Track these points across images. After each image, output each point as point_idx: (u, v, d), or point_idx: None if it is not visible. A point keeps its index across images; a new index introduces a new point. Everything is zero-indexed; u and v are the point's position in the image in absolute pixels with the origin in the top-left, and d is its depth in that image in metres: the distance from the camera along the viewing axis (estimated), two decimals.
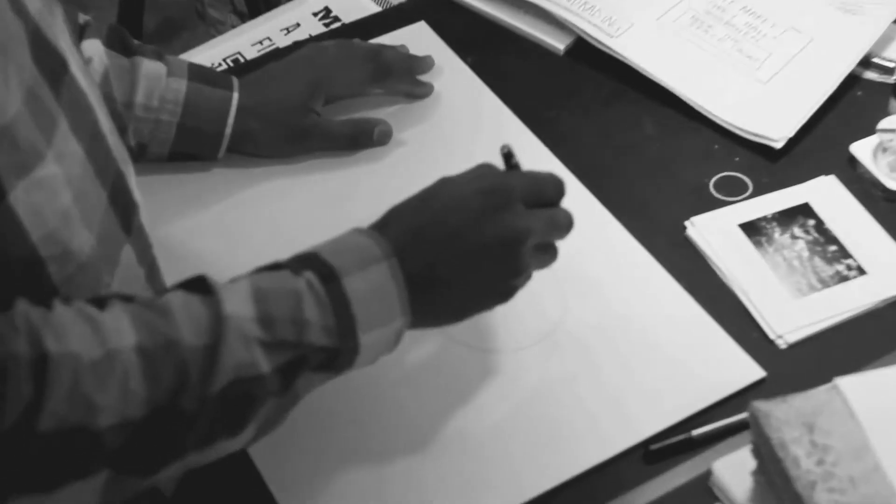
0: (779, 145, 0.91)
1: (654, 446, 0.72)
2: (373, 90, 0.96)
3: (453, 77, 0.98)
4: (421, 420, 0.74)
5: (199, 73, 0.87)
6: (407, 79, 0.96)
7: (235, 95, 0.87)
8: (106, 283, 0.63)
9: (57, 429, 0.53)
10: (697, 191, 0.89)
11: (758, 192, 0.88)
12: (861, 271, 0.82)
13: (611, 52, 0.98)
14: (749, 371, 0.76)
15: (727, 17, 1.00)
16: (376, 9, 1.06)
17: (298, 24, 1.05)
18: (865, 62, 0.97)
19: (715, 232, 0.85)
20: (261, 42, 1.04)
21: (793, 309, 0.80)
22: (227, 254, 0.83)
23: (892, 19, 0.99)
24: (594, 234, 0.84)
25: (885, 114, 0.91)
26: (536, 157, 0.90)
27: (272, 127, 0.89)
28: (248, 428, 0.61)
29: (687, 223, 0.86)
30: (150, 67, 0.85)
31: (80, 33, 0.83)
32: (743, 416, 0.72)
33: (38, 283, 0.58)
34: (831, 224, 0.85)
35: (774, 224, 0.86)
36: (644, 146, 0.93)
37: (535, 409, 0.75)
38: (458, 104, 0.96)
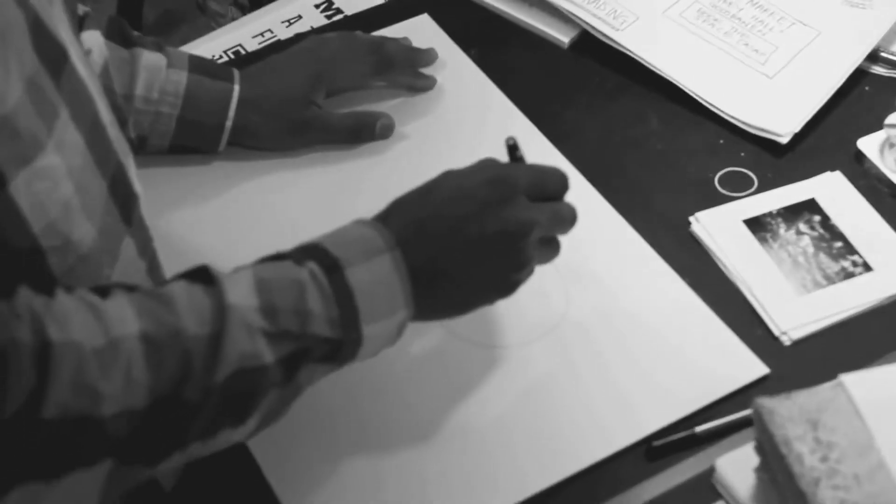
0: (785, 140, 0.90)
1: (656, 443, 0.72)
2: (375, 83, 0.95)
3: (456, 70, 0.97)
4: (422, 415, 0.74)
5: (199, 65, 0.87)
6: (409, 72, 0.95)
7: (236, 88, 0.87)
8: (106, 276, 0.63)
9: (61, 417, 0.53)
10: (702, 186, 0.88)
11: (763, 187, 0.88)
12: (867, 268, 0.82)
13: (616, 46, 0.97)
14: (753, 368, 0.76)
15: (734, 11, 1.00)
16: (379, 1, 1.05)
17: (300, 16, 1.05)
18: (873, 56, 0.97)
19: (719, 228, 0.84)
20: (262, 34, 1.03)
21: (797, 305, 0.80)
22: (227, 247, 0.83)
23: None
24: (597, 228, 0.84)
25: (893, 109, 0.91)
26: (539, 151, 0.90)
27: (273, 119, 0.89)
28: (251, 419, 0.61)
29: (691, 218, 0.85)
30: (150, 59, 0.85)
31: (79, 24, 0.82)
32: (746, 412, 0.71)
33: (39, 274, 0.58)
34: (837, 220, 0.85)
35: (780, 220, 0.85)
36: (648, 140, 0.92)
37: (536, 405, 0.75)
38: (461, 97, 0.95)
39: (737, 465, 0.69)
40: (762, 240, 0.84)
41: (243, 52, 1.01)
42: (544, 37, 1.01)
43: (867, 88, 0.96)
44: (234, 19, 1.25)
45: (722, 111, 0.93)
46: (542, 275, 0.71)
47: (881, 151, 0.89)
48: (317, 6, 1.06)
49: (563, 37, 1.00)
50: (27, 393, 0.52)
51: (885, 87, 0.95)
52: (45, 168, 0.56)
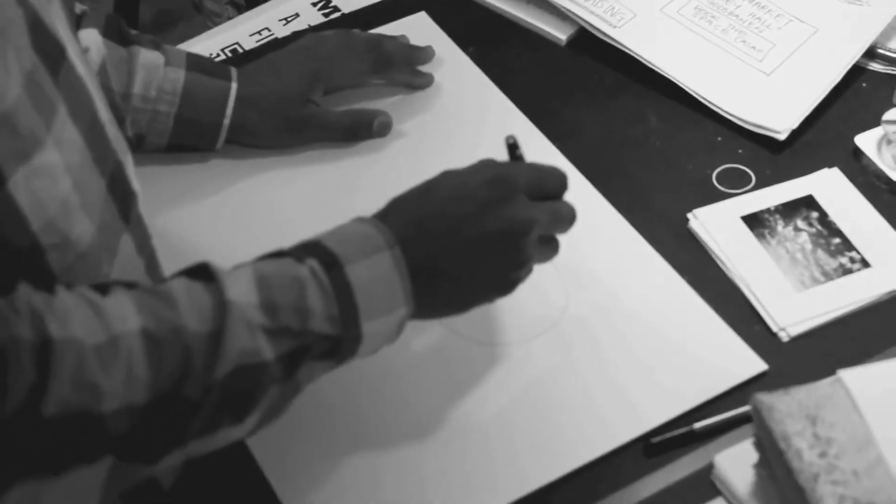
0: (782, 137, 0.90)
1: (655, 439, 0.72)
2: (372, 81, 0.95)
3: (454, 68, 0.97)
4: (422, 412, 0.74)
5: (197, 63, 0.87)
6: (407, 69, 0.95)
7: (234, 86, 0.87)
8: (105, 274, 0.62)
9: (61, 414, 0.53)
10: (700, 183, 0.88)
11: (761, 184, 0.88)
12: (865, 264, 0.82)
13: (613, 43, 0.97)
14: (751, 364, 0.76)
15: (731, 8, 1.00)
16: None
17: (297, 14, 1.04)
18: (870, 53, 0.97)
19: (718, 224, 0.84)
20: (259, 32, 1.03)
21: (795, 302, 0.80)
22: (225, 245, 0.82)
23: None
24: (596, 226, 0.84)
25: (890, 105, 0.91)
26: (538, 149, 0.90)
27: (271, 118, 0.89)
28: (251, 416, 0.61)
29: (689, 215, 0.85)
30: (147, 57, 0.85)
31: (77, 22, 0.82)
32: (745, 408, 0.71)
33: (38, 271, 0.57)
34: (835, 216, 0.85)
35: (777, 216, 0.85)
36: (646, 138, 0.92)
37: (535, 402, 0.75)
38: (459, 95, 0.95)
39: (736, 462, 0.69)
40: (760, 236, 0.84)
41: (241, 50, 1.01)
42: (542, 34, 1.01)
43: (864, 85, 0.96)
44: (229, 19, 1.24)
45: (720, 108, 0.93)
46: (541, 273, 0.71)
47: (879, 148, 0.89)
48: (314, 4, 1.06)
49: (561, 34, 1.00)
50: (27, 390, 0.52)
51: (883, 84, 0.95)
52: (43, 165, 0.56)
